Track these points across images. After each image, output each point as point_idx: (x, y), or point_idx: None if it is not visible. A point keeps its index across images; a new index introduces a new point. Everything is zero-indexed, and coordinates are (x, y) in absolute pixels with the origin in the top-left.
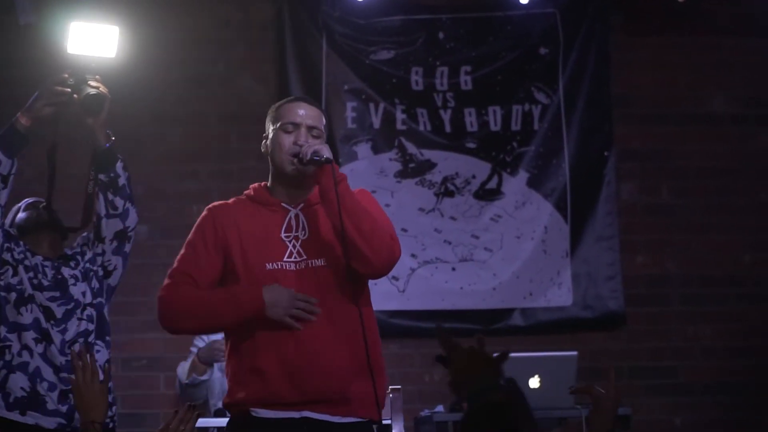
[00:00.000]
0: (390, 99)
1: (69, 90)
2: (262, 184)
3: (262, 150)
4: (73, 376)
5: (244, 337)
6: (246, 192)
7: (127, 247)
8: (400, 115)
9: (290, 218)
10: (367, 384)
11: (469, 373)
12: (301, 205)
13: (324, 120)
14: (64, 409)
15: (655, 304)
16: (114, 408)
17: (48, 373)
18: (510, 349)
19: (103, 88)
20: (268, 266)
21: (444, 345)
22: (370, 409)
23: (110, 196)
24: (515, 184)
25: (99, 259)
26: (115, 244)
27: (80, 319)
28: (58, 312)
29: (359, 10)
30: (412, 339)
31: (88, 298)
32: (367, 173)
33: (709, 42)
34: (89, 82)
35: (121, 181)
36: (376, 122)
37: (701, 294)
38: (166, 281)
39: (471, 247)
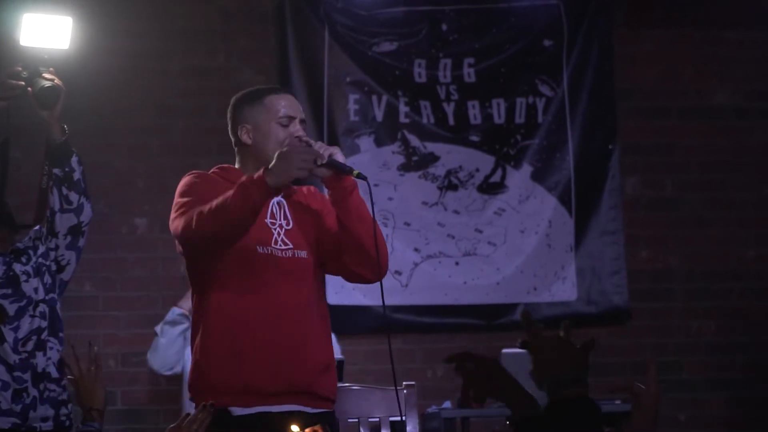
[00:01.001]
0: (393, 91)
1: (23, 83)
2: (230, 167)
3: (242, 139)
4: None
5: (218, 316)
6: (216, 171)
7: (81, 242)
8: (403, 108)
9: (273, 205)
10: (330, 380)
11: (554, 362)
12: (282, 194)
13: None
14: (18, 408)
15: (659, 299)
16: (69, 406)
17: (1, 371)
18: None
19: (57, 81)
20: (260, 249)
21: (529, 331)
22: (331, 402)
23: (65, 191)
24: (519, 178)
25: (52, 254)
26: (69, 239)
27: (33, 316)
28: (11, 309)
29: (361, 2)
30: (415, 334)
31: (41, 295)
32: (369, 166)
33: (713, 35)
34: (43, 75)
35: (76, 175)
36: (379, 115)
37: (705, 289)
38: (176, 216)
39: (474, 242)
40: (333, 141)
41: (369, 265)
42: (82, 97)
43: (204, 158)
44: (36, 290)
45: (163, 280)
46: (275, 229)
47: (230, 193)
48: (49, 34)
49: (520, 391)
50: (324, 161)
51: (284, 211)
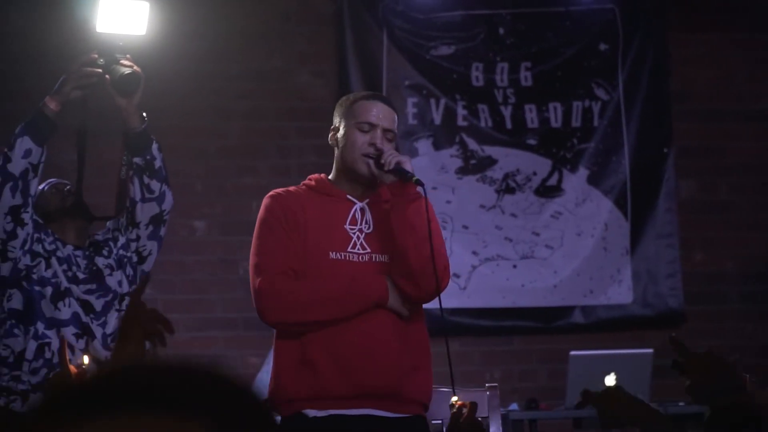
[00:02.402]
0: (451, 95)
1: (100, 71)
2: (322, 175)
3: (330, 142)
4: None
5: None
6: (305, 183)
7: (162, 231)
8: (461, 111)
9: (355, 210)
10: (420, 382)
11: (710, 376)
12: (367, 200)
13: (397, 121)
14: None
15: (714, 302)
16: None
17: (92, 369)
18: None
19: (136, 68)
20: (332, 255)
21: (681, 352)
22: (421, 406)
23: (146, 180)
24: (575, 181)
25: (133, 245)
26: (150, 228)
27: (119, 311)
28: (98, 305)
29: (419, 5)
30: (473, 337)
31: (125, 288)
32: (427, 169)
33: (766, 38)
34: (121, 62)
35: (158, 163)
36: (437, 118)
37: (759, 291)
38: (259, 278)
39: (532, 245)
40: None
41: (411, 283)
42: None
43: (261, 161)
44: (120, 283)
45: (221, 283)
46: (354, 234)
47: (342, 293)
48: (126, 20)
49: (649, 411)
50: (391, 167)
51: (366, 216)
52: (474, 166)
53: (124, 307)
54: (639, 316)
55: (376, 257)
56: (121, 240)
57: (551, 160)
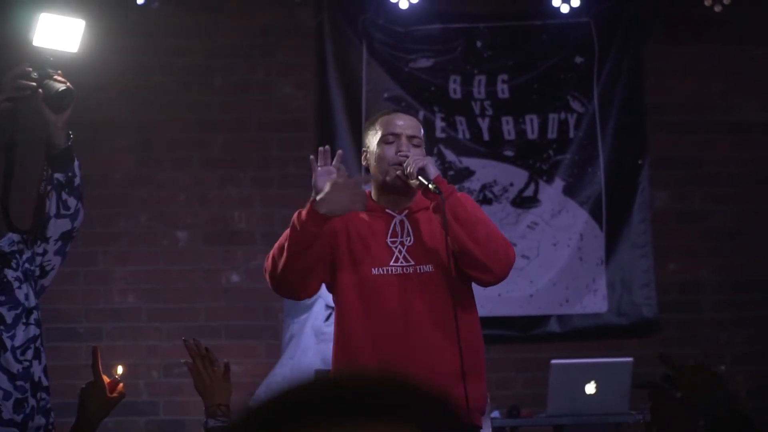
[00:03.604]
0: (429, 107)
1: (34, 84)
2: (366, 192)
3: (363, 164)
4: (187, 361)
5: (347, 336)
6: None
7: (68, 247)
8: (439, 123)
9: (395, 224)
10: (471, 387)
11: (702, 388)
12: (405, 211)
13: (422, 129)
14: (19, 418)
15: (688, 310)
16: (53, 413)
17: (3, 381)
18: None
19: (69, 84)
20: (374, 271)
21: (670, 366)
22: (467, 414)
23: (64, 196)
24: (551, 192)
25: (38, 259)
26: (59, 244)
27: (27, 324)
28: (8, 317)
29: (399, 18)
30: None
31: (32, 302)
32: None
33: (741, 51)
34: (54, 77)
35: (77, 180)
36: None
37: (733, 301)
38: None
39: None
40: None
41: (480, 267)
42: (122, 110)
43: (243, 171)
44: (27, 297)
45: (205, 292)
46: (396, 248)
47: (286, 232)
48: (61, 36)
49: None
50: (414, 176)
51: (406, 229)
52: (452, 177)
53: (32, 320)
54: (614, 325)
55: (420, 268)
56: (27, 253)
57: (528, 171)
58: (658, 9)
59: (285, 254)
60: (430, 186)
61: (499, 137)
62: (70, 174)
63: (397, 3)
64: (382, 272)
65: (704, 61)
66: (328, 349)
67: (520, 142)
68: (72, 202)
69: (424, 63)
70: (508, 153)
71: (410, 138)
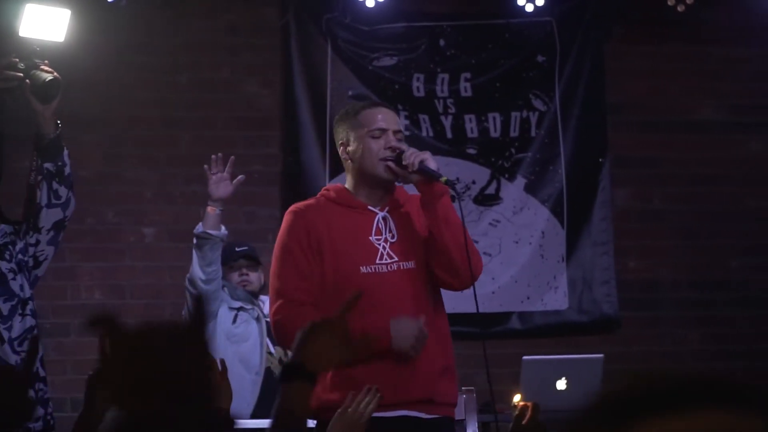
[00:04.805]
0: (393, 105)
1: (21, 74)
2: (339, 185)
3: (342, 156)
4: None
5: None
6: (324, 194)
7: (61, 237)
8: (402, 121)
9: (378, 221)
10: (448, 384)
11: None
12: (387, 207)
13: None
14: None
15: (648, 308)
16: (51, 404)
17: None
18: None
19: (56, 74)
20: (363, 269)
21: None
22: (450, 407)
23: (55, 185)
24: (513, 190)
25: (31, 250)
26: (51, 234)
27: (23, 315)
28: (4, 309)
29: (364, 17)
30: None
31: (27, 292)
32: None
33: (700, 51)
34: (41, 67)
35: (67, 169)
36: None
37: (692, 298)
38: (278, 301)
39: None
40: (335, 152)
41: (453, 271)
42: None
43: None
44: (22, 288)
45: (170, 289)
46: (380, 245)
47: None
48: (47, 26)
49: None
50: (415, 168)
51: (389, 225)
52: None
53: (27, 311)
54: (574, 322)
55: (402, 265)
56: (20, 244)
57: (490, 169)
58: (620, 9)
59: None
60: (441, 179)
61: (462, 135)
62: (59, 163)
63: (364, 1)
64: (370, 270)
65: (665, 61)
66: (243, 348)
67: (483, 140)
68: (63, 191)
69: (388, 61)
70: (471, 151)
71: (395, 132)
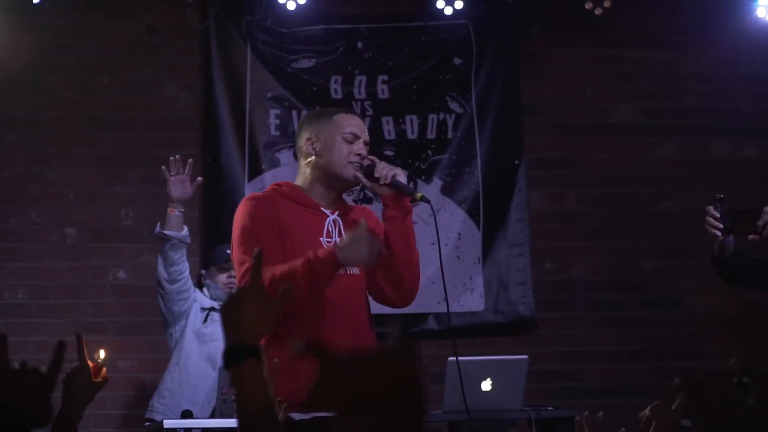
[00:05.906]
0: (311, 106)
1: None
2: (290, 182)
3: (305, 150)
4: None
5: (281, 339)
6: (276, 189)
7: None
8: None
9: (329, 223)
10: None
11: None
12: (337, 211)
13: None
14: None
15: (562, 309)
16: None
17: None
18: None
19: None
20: None
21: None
22: None
23: None
24: (430, 192)
25: None
26: None
27: None
28: None
29: (283, 19)
30: None
31: None
32: (289, 180)
33: (613, 54)
34: None
35: None
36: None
37: (606, 300)
38: (245, 265)
39: None
40: (254, 154)
41: (399, 288)
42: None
43: (130, 170)
44: None
45: (92, 288)
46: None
47: (298, 265)
48: None
49: None
50: (387, 181)
51: (339, 229)
52: None
53: None
54: (491, 323)
55: (349, 270)
56: None
57: (407, 170)
58: (536, 12)
59: (297, 288)
60: (416, 195)
61: (379, 137)
62: None
63: (285, 4)
64: None
65: (580, 63)
66: (211, 348)
67: (400, 142)
68: None
69: (306, 63)
70: (388, 153)
71: (366, 143)
